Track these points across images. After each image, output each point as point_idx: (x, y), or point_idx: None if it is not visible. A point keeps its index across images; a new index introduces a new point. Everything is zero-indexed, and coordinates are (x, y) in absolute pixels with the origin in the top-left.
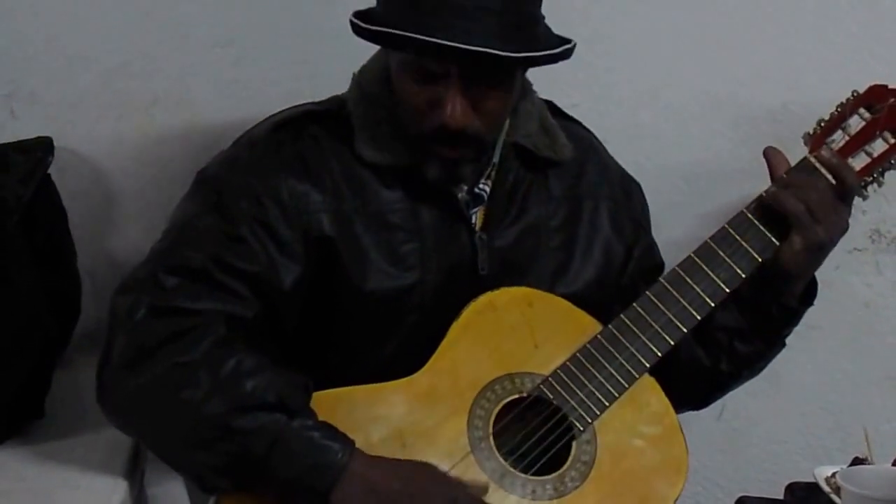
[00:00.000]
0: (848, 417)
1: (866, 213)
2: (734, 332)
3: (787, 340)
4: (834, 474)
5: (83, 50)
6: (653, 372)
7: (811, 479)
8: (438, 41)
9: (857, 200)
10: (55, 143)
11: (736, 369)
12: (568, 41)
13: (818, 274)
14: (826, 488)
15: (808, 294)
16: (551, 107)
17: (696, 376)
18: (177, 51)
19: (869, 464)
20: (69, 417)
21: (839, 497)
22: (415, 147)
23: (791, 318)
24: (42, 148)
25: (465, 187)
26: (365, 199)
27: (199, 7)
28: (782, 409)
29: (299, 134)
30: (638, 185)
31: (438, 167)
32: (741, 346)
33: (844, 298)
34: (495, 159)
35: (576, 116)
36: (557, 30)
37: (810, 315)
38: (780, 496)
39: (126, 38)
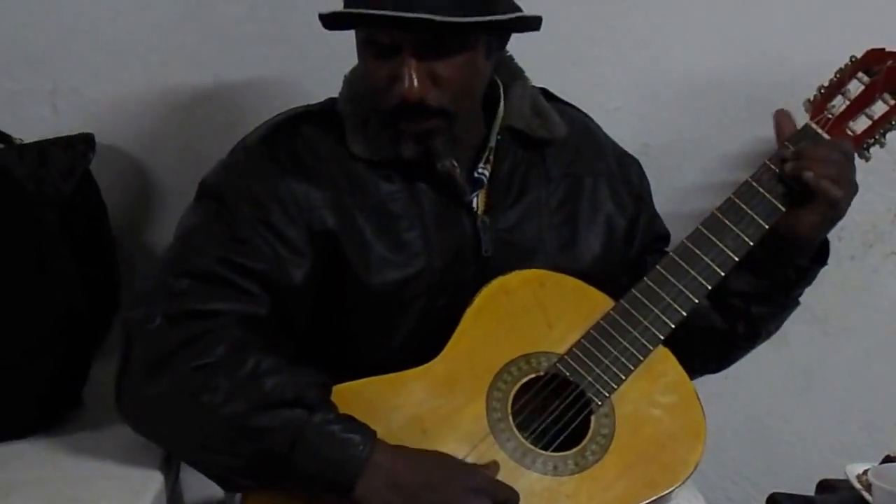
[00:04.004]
0: (879, 416)
1: None
2: (750, 297)
3: (821, 340)
4: (865, 471)
5: (125, 47)
6: (668, 338)
7: (843, 476)
8: (374, 11)
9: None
10: (97, 140)
11: (753, 331)
12: (526, 15)
13: (859, 277)
14: (857, 485)
15: (821, 254)
16: (546, 93)
17: (713, 340)
18: (219, 49)
19: None
20: (107, 408)
21: (870, 494)
22: (385, 128)
23: (805, 277)
24: (84, 143)
25: (459, 169)
26: (364, 193)
27: (243, 5)
28: (814, 407)
29: (293, 135)
30: (635, 160)
31: (412, 144)
32: (757, 309)
33: (879, 300)
34: (491, 143)
35: (618, 119)
36: (599, 33)
37: (844, 316)
38: (812, 493)
39: (168, 35)
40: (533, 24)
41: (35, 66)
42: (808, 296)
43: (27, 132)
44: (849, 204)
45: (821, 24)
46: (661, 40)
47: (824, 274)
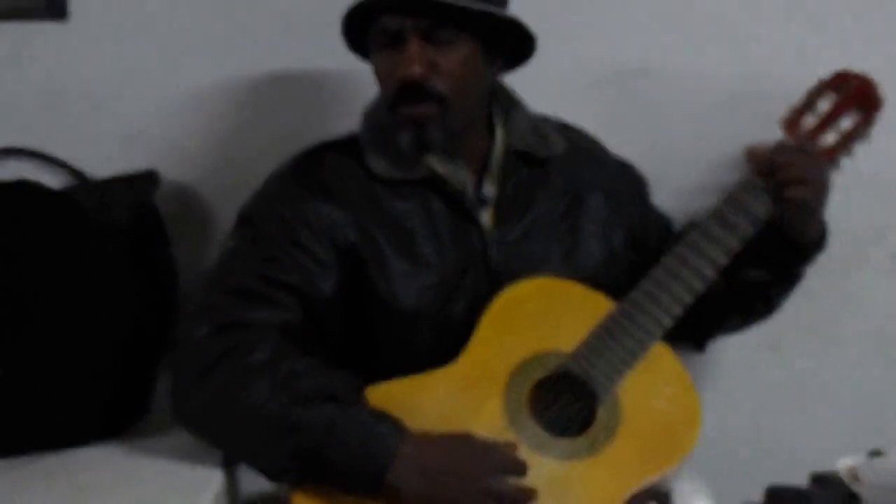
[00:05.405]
0: (872, 419)
1: None
2: (763, 284)
3: (813, 349)
4: (855, 465)
5: (188, 87)
6: (691, 312)
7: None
8: None
9: None
10: (161, 175)
11: (768, 307)
12: (520, 21)
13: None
14: (847, 479)
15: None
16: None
17: (734, 314)
18: (276, 87)
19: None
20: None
21: (860, 485)
22: (387, 118)
23: (808, 261)
24: (148, 179)
25: (470, 187)
26: (382, 211)
27: (298, 42)
28: (805, 408)
29: (318, 162)
30: (631, 166)
31: (408, 133)
32: (772, 291)
33: (870, 308)
34: (494, 165)
35: (605, 130)
36: (624, 64)
37: (839, 327)
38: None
39: (231, 74)
40: (523, 30)
41: (103, 106)
42: (802, 305)
43: (97, 169)
44: (820, 196)
45: (800, 44)
46: (676, 75)
47: (818, 285)
